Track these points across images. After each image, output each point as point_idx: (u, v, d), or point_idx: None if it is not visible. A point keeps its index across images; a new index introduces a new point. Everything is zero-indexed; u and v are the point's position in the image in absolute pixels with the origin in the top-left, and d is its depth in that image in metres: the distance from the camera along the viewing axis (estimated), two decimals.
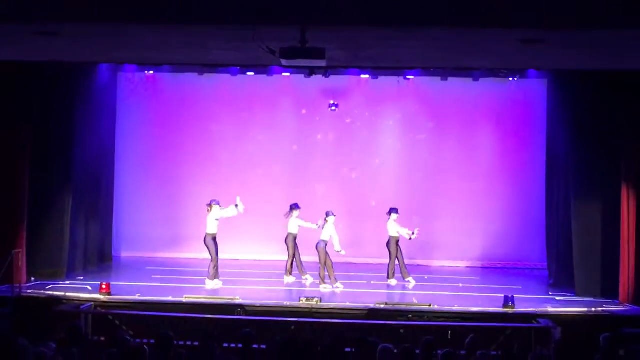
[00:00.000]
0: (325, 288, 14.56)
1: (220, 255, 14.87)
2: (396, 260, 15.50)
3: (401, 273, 15.50)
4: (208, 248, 14.74)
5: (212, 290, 14.30)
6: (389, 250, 15.52)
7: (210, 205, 14.80)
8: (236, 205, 14.62)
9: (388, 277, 15.46)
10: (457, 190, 18.22)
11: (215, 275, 14.67)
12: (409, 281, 15.44)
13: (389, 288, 15.17)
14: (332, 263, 14.87)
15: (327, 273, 14.79)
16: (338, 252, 14.94)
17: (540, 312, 12.71)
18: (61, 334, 8.99)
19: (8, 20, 8.87)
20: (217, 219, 14.71)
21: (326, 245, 14.84)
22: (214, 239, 14.72)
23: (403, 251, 15.63)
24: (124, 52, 11.64)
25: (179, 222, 18.32)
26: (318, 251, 14.83)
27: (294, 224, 15.39)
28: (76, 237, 15.72)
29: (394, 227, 15.50)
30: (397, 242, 15.49)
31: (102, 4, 8.60)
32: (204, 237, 14.80)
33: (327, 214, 15.05)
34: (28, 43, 10.33)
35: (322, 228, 15.02)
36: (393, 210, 15.60)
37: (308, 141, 18.64)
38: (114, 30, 9.44)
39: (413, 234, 15.42)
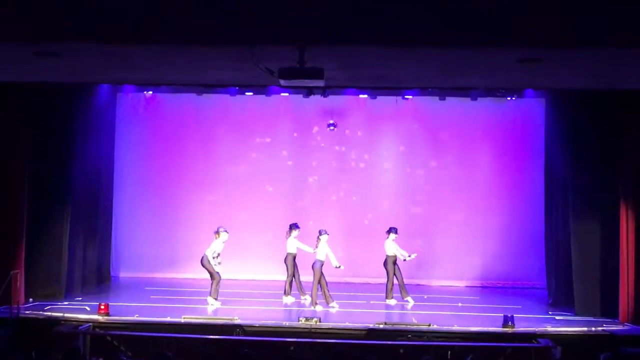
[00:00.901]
0: (317, 308, 14.47)
1: None
2: (395, 279, 15.48)
3: (400, 292, 15.47)
4: (207, 269, 14.73)
5: (211, 310, 14.25)
6: (386, 270, 15.49)
7: (217, 232, 14.84)
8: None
9: (386, 297, 15.43)
10: (455, 210, 18.23)
11: (216, 295, 14.66)
12: (407, 301, 15.41)
13: (387, 308, 15.13)
14: (327, 282, 14.84)
15: (320, 292, 14.74)
16: (337, 267, 14.90)
17: (540, 332, 12.67)
18: (59, 354, 8.95)
19: (7, 40, 8.89)
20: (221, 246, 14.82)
21: (322, 264, 14.80)
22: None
23: (402, 270, 15.60)
24: (123, 72, 11.64)
25: (178, 242, 18.30)
26: (313, 271, 14.79)
27: (293, 243, 15.35)
28: (74, 258, 15.69)
29: (392, 247, 15.49)
30: (394, 261, 15.47)
31: (102, 24, 8.62)
32: (201, 257, 14.79)
33: (320, 233, 15.01)
34: (27, 64, 10.34)
35: (317, 247, 15.00)
36: (392, 230, 15.59)
37: (307, 161, 18.64)
38: (113, 51, 9.45)
39: (409, 256, 15.45)
